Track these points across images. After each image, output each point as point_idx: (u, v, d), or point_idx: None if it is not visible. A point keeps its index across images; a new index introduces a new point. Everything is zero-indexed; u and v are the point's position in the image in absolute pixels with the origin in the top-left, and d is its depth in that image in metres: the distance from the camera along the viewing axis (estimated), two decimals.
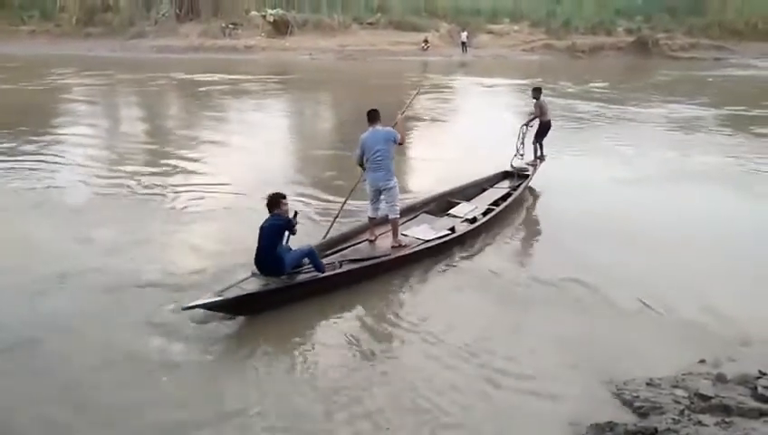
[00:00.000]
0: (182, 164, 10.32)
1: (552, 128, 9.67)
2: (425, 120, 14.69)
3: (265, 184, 7.98)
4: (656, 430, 3.55)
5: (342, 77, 25.42)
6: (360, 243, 6.53)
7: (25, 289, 5.54)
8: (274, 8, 36.51)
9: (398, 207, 6.49)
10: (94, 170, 9.78)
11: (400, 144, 6.50)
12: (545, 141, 9.60)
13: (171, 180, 9.27)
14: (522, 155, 9.13)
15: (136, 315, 5.07)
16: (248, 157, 11.06)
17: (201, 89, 20.36)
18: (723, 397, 3.90)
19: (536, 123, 9.55)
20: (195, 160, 10.64)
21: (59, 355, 4.58)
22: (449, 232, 6.69)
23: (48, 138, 12.28)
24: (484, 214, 7.34)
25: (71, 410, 4.00)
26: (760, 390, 3.99)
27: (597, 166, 10.54)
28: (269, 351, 4.71)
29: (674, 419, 3.67)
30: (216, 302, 4.85)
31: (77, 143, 11.84)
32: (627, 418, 3.86)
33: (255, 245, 5.32)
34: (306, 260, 5.54)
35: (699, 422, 3.57)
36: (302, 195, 8.37)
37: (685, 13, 37.89)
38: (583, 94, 19.51)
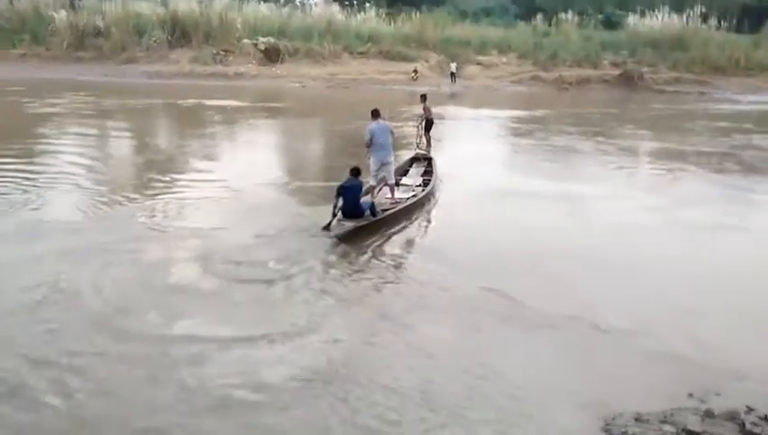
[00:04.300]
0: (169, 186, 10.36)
1: (434, 123, 13.48)
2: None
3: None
4: None
5: (331, 106, 25.54)
6: None
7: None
8: (266, 36, 36.77)
9: (393, 175, 9.23)
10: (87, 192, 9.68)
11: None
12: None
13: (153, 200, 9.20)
14: (419, 145, 12.99)
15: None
16: (229, 185, 10.95)
17: (190, 115, 20.34)
18: (711, 433, 3.84)
19: (424, 122, 13.16)
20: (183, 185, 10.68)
21: None
22: (416, 193, 9.64)
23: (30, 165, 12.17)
24: (425, 183, 10.27)
25: None
26: (748, 426, 3.94)
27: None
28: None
29: None
30: (344, 232, 7.67)
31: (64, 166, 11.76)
32: None
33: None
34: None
35: None
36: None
37: (668, 48, 38.65)
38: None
